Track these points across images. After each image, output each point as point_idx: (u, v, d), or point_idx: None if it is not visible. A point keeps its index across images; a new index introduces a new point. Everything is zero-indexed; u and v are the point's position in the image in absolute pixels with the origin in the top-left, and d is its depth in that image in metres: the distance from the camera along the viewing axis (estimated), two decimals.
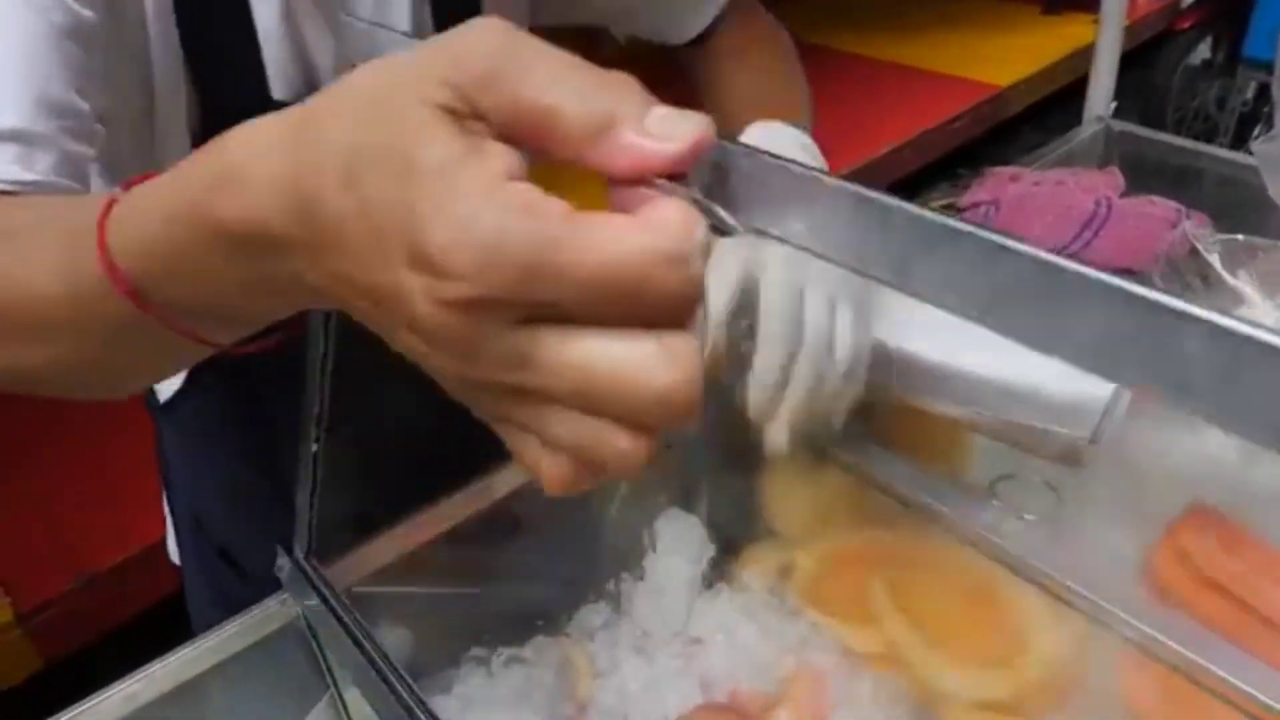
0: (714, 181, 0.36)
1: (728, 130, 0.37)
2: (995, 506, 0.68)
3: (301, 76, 0.80)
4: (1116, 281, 0.28)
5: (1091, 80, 1.37)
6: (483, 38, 0.33)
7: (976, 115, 2.68)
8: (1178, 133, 2.51)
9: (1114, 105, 1.34)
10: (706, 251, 0.32)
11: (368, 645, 0.70)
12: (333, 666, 0.80)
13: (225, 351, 0.50)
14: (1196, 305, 0.26)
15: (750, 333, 0.66)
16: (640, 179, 0.33)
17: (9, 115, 0.63)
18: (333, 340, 0.66)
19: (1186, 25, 3.18)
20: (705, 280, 0.32)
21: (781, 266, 0.66)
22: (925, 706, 0.78)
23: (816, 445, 0.80)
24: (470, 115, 0.33)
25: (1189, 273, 0.84)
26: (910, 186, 2.80)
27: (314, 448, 0.71)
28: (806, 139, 0.82)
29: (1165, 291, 0.69)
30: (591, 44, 0.79)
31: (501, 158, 0.32)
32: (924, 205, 0.95)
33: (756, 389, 0.68)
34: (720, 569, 0.93)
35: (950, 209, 1.05)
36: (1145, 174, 1.11)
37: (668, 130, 0.32)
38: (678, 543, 0.93)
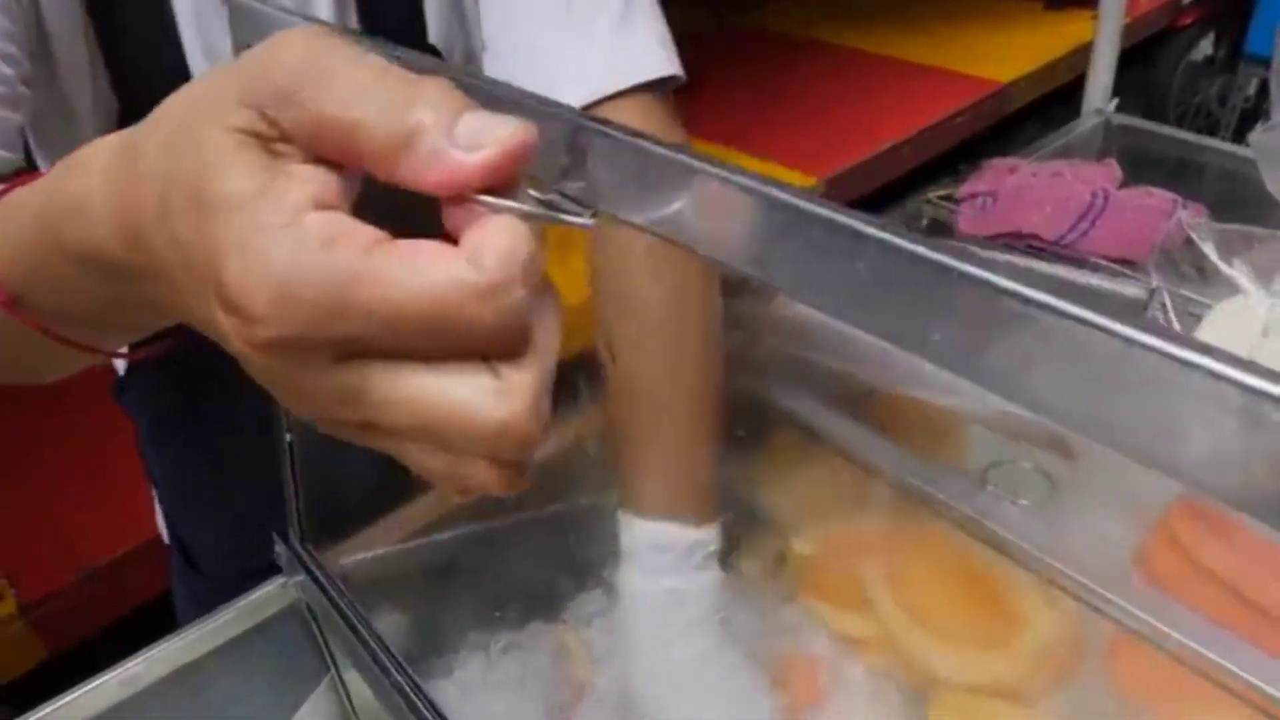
0: (572, 164, 0.33)
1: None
2: (988, 492, 0.69)
3: (226, 59, 0.76)
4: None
5: (1090, 73, 1.37)
6: (284, 50, 0.30)
7: (978, 111, 2.69)
8: (1179, 129, 2.51)
9: (1115, 102, 1.35)
10: (535, 271, 0.29)
11: (364, 630, 0.71)
12: (332, 650, 0.80)
13: (120, 355, 0.49)
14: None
15: None
16: (460, 194, 0.29)
17: None
18: None
19: (1188, 22, 3.18)
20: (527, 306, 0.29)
21: None
22: (918, 691, 0.79)
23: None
24: (276, 137, 0.30)
25: (1184, 262, 0.85)
26: (911, 183, 2.80)
27: (288, 438, 0.71)
28: None
29: (1161, 281, 0.69)
30: None
31: (306, 184, 0.29)
32: (923, 199, 0.96)
33: None
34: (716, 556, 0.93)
35: (948, 200, 1.05)
36: (1144, 167, 1.11)
37: (477, 137, 0.29)
38: None
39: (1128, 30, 1.39)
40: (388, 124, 0.29)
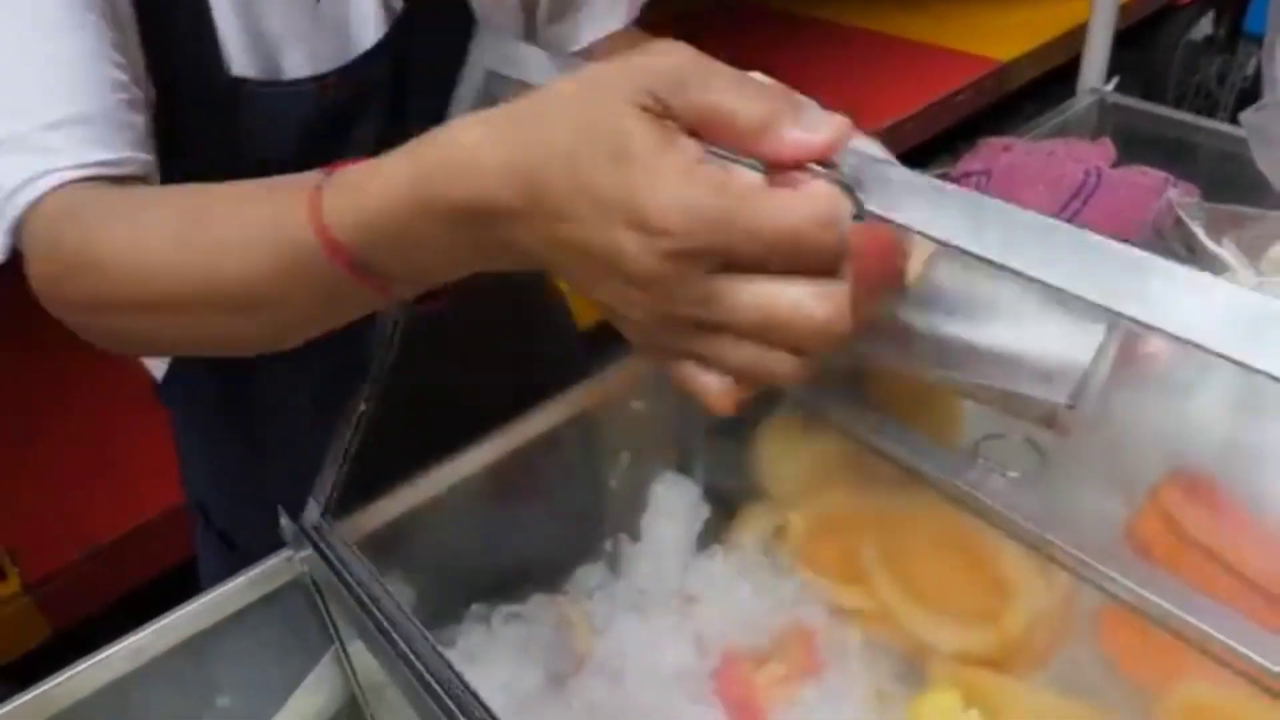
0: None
1: None
2: (980, 465, 0.70)
3: (258, 50, 0.78)
4: None
5: (1085, 52, 1.37)
6: (674, 55, 0.44)
7: (978, 89, 2.68)
8: (1178, 109, 2.51)
9: (1115, 81, 1.35)
10: (849, 217, 0.42)
11: (368, 600, 0.72)
12: (336, 621, 0.82)
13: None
14: None
15: None
16: (797, 164, 0.43)
17: (78, 100, 0.64)
18: (397, 339, 0.71)
19: (1187, 1, 3.17)
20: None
21: None
22: (913, 661, 0.80)
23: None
24: (664, 115, 0.42)
25: (1175, 241, 0.85)
26: (910, 161, 2.77)
27: (362, 407, 0.73)
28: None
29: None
30: None
31: (691, 147, 0.42)
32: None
33: None
34: (715, 530, 0.95)
35: (944, 179, 1.06)
36: (1139, 146, 1.12)
37: (819, 126, 0.43)
38: (673, 505, 0.95)
39: (1127, 9, 1.39)
40: (758, 112, 0.42)
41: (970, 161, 1.05)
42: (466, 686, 0.64)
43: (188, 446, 1.08)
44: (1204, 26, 3.25)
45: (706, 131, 0.43)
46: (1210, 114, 3.09)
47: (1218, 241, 0.81)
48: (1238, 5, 3.10)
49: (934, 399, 0.79)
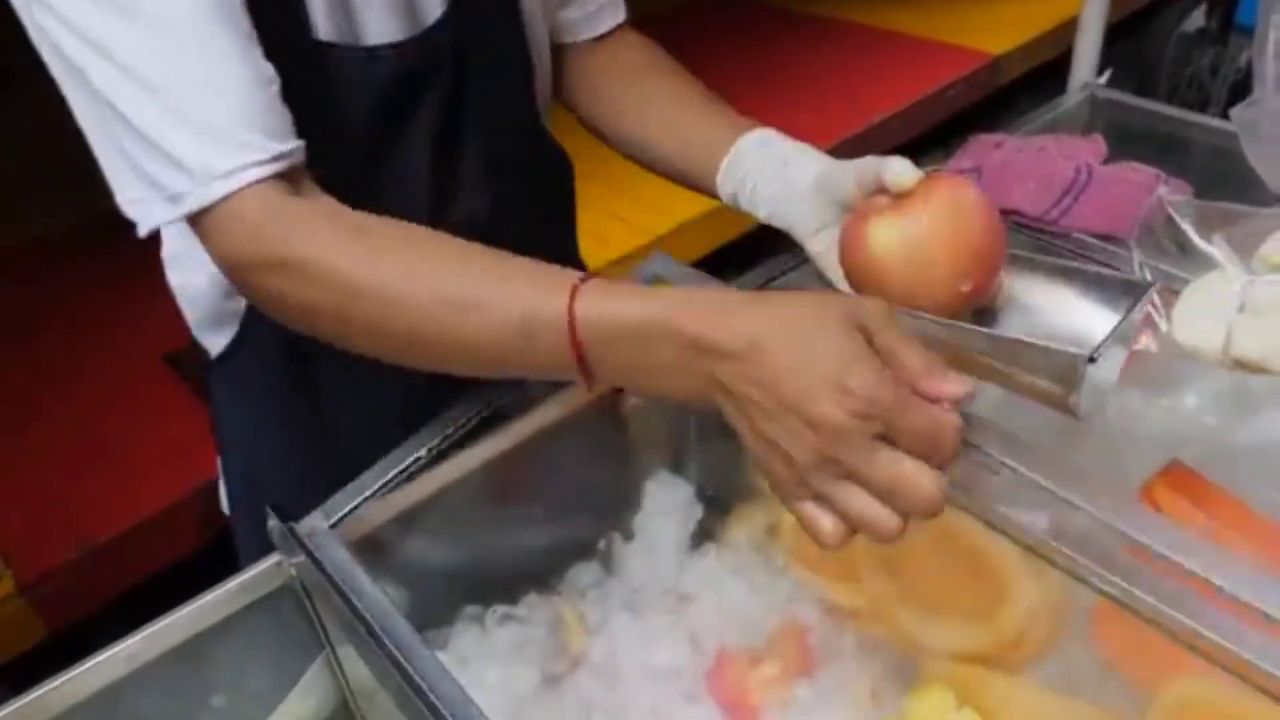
0: None
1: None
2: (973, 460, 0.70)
3: (341, 16, 0.81)
4: None
5: (1077, 47, 1.37)
6: (874, 303, 0.61)
7: (970, 83, 2.68)
8: (1171, 102, 2.51)
9: (1108, 74, 1.34)
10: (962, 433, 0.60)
11: (357, 604, 0.72)
12: (327, 627, 0.82)
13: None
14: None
15: None
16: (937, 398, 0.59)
17: (254, 96, 0.71)
18: None
19: None
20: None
21: None
22: (907, 659, 0.80)
23: None
24: (864, 336, 0.59)
25: (1165, 238, 0.85)
26: (907, 153, 2.78)
27: None
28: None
29: (1142, 257, 0.70)
30: None
31: (877, 357, 0.58)
32: None
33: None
34: (708, 529, 0.95)
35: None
36: (1130, 142, 1.11)
37: (953, 383, 0.59)
38: (667, 503, 0.95)
39: (1119, 2, 1.38)
40: (922, 363, 0.59)
41: (961, 159, 1.05)
42: (460, 691, 0.64)
43: (237, 416, 1.07)
44: (1196, 19, 3.25)
45: (888, 362, 0.59)
46: (1203, 107, 3.10)
47: (1208, 239, 0.81)
48: None
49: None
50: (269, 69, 0.72)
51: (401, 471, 0.82)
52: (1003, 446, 0.68)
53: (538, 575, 0.93)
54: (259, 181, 0.69)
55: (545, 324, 0.64)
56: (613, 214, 2.08)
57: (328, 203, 0.74)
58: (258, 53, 0.72)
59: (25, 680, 0.74)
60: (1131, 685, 0.70)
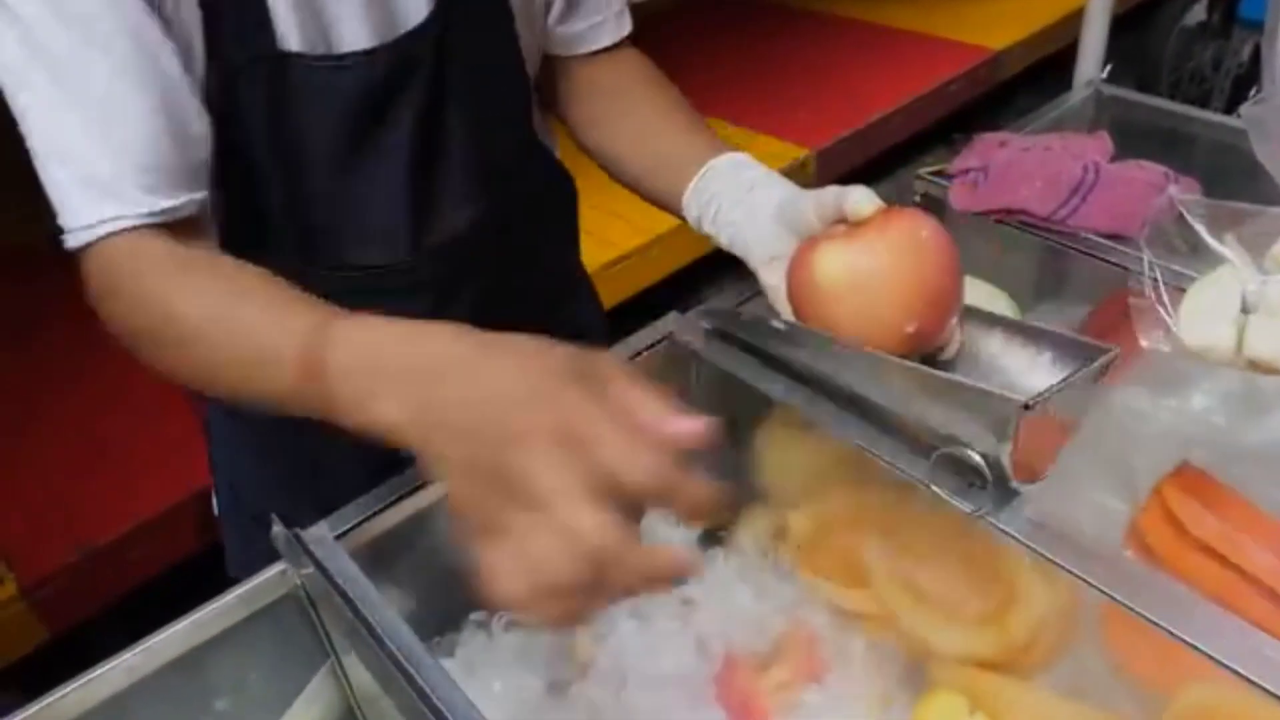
0: None
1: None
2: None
3: (310, 25, 0.79)
4: None
5: (1081, 44, 1.37)
6: (609, 358, 0.56)
7: (971, 79, 2.68)
8: (1173, 96, 2.50)
9: (1109, 68, 1.34)
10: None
11: (362, 612, 0.71)
12: (331, 635, 0.81)
13: None
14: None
15: None
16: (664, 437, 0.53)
17: (146, 151, 0.72)
18: None
19: None
20: None
21: None
22: (916, 664, 0.80)
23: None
24: (594, 386, 0.53)
25: (1175, 237, 0.85)
26: (905, 151, 2.79)
27: None
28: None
29: (1151, 255, 0.69)
30: None
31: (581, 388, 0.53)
32: (914, 173, 0.95)
33: None
34: (714, 533, 0.94)
35: (940, 175, 1.05)
36: (1136, 139, 1.11)
37: (683, 423, 0.53)
38: None
39: None
40: (652, 404, 0.53)
41: (967, 158, 1.04)
42: (466, 699, 0.64)
43: (226, 427, 1.08)
44: (1198, 12, 3.25)
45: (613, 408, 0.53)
46: (1204, 101, 3.09)
47: (1219, 238, 0.80)
48: None
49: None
50: (190, 121, 0.75)
51: (405, 481, 0.81)
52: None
53: None
54: (126, 231, 0.72)
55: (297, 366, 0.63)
56: (615, 212, 2.08)
57: (194, 251, 0.75)
58: (184, 103, 0.75)
59: (28, 684, 0.73)
60: (1143, 691, 0.70)
